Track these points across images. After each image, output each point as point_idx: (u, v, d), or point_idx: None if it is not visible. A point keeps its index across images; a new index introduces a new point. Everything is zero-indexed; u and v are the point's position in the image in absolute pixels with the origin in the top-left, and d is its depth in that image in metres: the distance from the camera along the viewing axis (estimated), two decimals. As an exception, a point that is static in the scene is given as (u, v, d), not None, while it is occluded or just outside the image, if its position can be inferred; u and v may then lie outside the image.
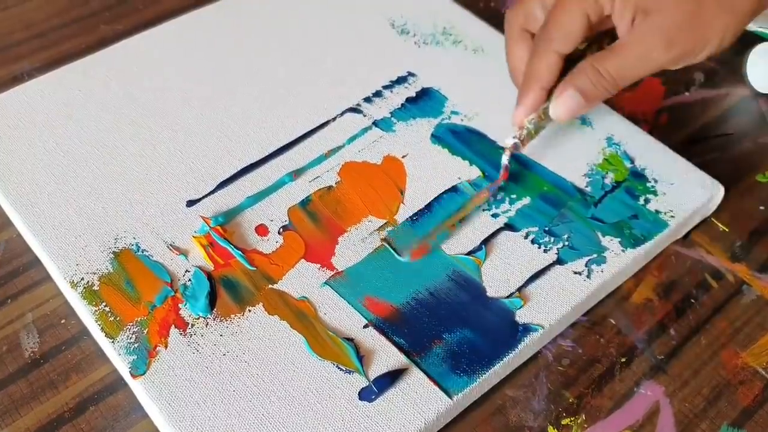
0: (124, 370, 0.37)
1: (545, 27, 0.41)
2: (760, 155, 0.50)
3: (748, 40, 0.54)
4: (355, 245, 0.42)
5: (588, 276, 0.41)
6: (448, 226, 0.42)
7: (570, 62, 0.42)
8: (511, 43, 0.44)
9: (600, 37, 0.44)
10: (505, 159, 0.44)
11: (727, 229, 0.46)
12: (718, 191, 0.46)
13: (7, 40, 0.56)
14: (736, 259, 0.45)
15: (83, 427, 0.37)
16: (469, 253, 0.42)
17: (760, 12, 0.40)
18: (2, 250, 0.44)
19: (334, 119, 0.48)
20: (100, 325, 0.38)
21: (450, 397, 0.37)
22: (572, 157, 0.47)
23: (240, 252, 0.41)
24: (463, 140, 0.47)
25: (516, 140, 0.43)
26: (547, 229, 0.43)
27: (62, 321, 0.41)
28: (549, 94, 0.43)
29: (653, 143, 0.48)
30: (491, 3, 0.61)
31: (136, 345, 0.38)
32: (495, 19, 0.57)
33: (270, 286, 0.40)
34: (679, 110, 0.53)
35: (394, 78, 0.51)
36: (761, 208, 0.47)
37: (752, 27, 0.56)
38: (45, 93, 0.49)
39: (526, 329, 0.39)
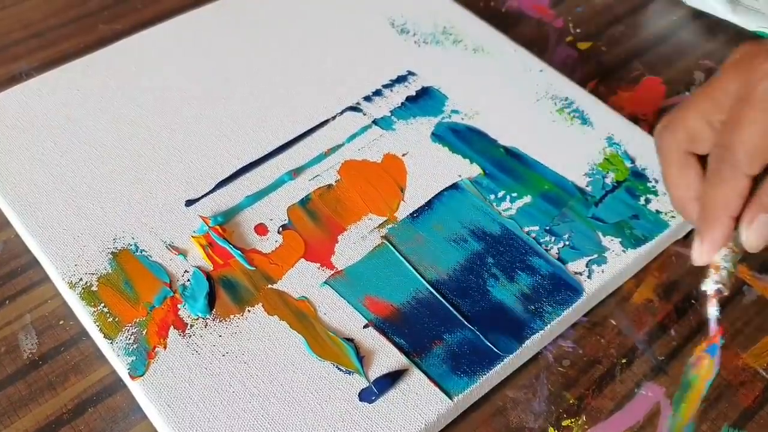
0: (122, 372, 0.37)
1: (728, 147, 0.35)
2: (761, 155, 0.50)
3: (747, 40, 0.54)
4: (356, 243, 0.42)
5: (589, 276, 0.41)
6: (693, 413, 0.37)
7: None
8: (672, 170, 0.38)
9: None
10: (714, 311, 0.36)
11: (728, 229, 0.46)
12: (719, 191, 0.45)
13: (4, 40, 0.56)
14: (737, 260, 0.45)
15: (82, 429, 0.37)
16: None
17: None
18: (0, 251, 0.44)
19: (333, 118, 0.48)
20: (98, 326, 0.38)
21: (450, 398, 0.37)
22: (573, 157, 0.47)
23: (239, 252, 0.41)
24: (464, 139, 0.47)
25: (719, 285, 0.36)
26: (547, 228, 0.43)
27: (61, 322, 0.41)
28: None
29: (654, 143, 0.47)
30: (491, 2, 0.61)
31: (134, 346, 0.38)
32: (495, 18, 0.57)
33: (269, 285, 0.40)
34: (679, 110, 0.53)
35: (394, 77, 0.51)
36: (762, 207, 0.47)
37: (752, 27, 0.56)
38: (43, 93, 0.49)
39: (527, 330, 0.39)
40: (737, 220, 0.35)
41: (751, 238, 0.35)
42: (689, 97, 0.37)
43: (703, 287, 0.36)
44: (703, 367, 0.37)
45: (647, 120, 0.52)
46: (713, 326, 0.36)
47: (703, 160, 0.37)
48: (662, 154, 0.38)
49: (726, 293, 0.36)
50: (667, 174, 0.38)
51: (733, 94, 0.35)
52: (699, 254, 0.36)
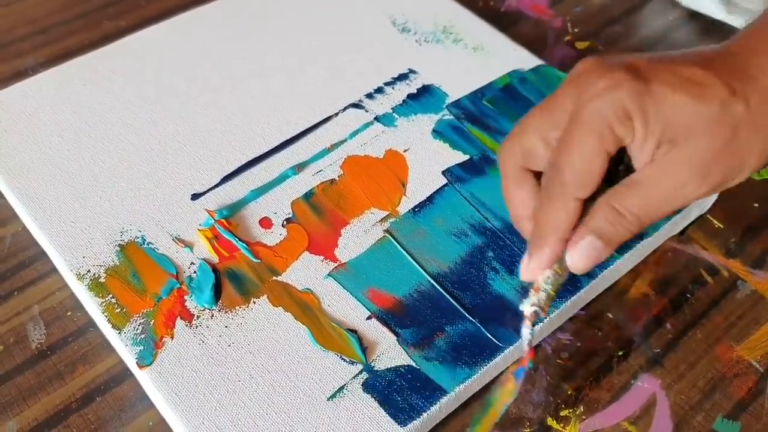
0: (130, 361, 0.38)
1: (558, 169, 0.33)
2: (755, 153, 0.51)
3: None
4: (358, 237, 0.43)
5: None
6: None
7: None
8: (509, 186, 0.36)
9: None
10: (527, 333, 0.34)
11: (722, 226, 0.47)
12: (713, 188, 0.46)
13: (10, 36, 0.56)
14: (730, 255, 0.46)
15: (90, 418, 0.38)
16: None
17: None
18: (9, 243, 0.44)
19: (336, 114, 0.49)
20: (106, 316, 0.39)
21: (452, 388, 0.37)
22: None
23: (244, 244, 0.42)
24: (464, 135, 0.48)
25: (535, 308, 0.34)
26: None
27: (68, 313, 0.42)
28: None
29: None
30: (490, 2, 0.62)
31: (142, 336, 0.38)
32: (495, 18, 0.58)
33: (274, 278, 0.41)
34: (675, 108, 0.54)
35: (396, 75, 0.51)
36: (755, 205, 0.48)
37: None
38: (50, 88, 0.50)
39: (526, 322, 0.40)
40: (567, 242, 0.33)
41: (575, 260, 0.33)
42: (530, 111, 0.35)
43: (521, 308, 0.34)
44: (506, 389, 0.35)
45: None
46: (525, 348, 0.34)
47: (540, 177, 0.35)
48: (501, 169, 0.36)
49: (542, 315, 0.34)
50: (504, 189, 0.36)
51: (568, 111, 0.33)
52: (525, 271, 0.34)
